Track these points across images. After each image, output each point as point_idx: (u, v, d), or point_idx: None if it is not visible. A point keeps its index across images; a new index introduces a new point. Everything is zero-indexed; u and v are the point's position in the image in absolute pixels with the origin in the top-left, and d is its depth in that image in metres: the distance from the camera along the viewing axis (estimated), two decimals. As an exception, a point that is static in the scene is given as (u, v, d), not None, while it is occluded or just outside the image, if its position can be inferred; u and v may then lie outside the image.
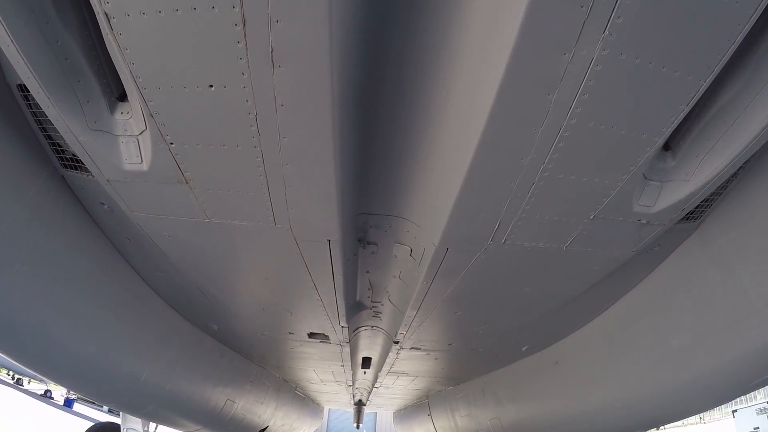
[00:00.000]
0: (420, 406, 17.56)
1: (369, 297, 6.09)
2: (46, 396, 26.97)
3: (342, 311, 5.82)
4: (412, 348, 7.64)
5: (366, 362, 11.05)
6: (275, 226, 3.87)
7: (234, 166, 3.30)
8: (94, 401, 6.64)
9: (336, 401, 21.21)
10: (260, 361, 10.62)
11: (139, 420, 10.90)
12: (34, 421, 23.63)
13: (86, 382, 6.14)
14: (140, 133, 3.23)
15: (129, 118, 3.24)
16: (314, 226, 3.79)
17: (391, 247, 4.64)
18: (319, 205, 3.55)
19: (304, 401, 17.94)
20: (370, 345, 8.60)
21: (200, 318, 7.18)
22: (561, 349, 7.45)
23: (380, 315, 6.77)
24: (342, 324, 6.44)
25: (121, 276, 5.78)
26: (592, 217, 3.67)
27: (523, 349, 7.73)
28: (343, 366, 10.01)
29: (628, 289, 5.76)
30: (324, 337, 7.47)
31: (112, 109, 3.27)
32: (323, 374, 11.90)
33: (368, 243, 4.64)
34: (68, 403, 26.51)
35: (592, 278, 4.84)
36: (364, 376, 13.00)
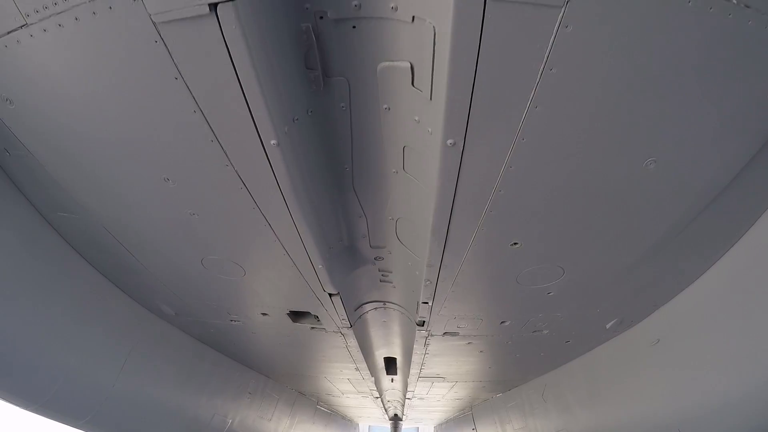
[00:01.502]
0: (463, 419, 14.67)
1: (365, 237, 3.62)
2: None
3: (316, 256, 3.37)
4: (446, 333, 5.08)
5: (390, 365, 8.48)
6: None
7: None
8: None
9: (369, 416, 18.45)
10: (260, 367, 8.21)
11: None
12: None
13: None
14: None
15: None
16: None
17: (371, 74, 2.18)
18: None
19: (331, 417, 15.34)
20: (386, 336, 6.08)
21: (148, 295, 4.89)
22: (663, 319, 4.74)
23: (389, 277, 4.28)
24: (328, 289, 3.98)
25: (20, 219, 3.64)
26: None
27: (608, 326, 5.02)
28: (358, 370, 7.45)
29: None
30: (314, 321, 5.02)
31: None
32: (339, 383, 9.35)
33: (328, 75, 2.20)
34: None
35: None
36: (392, 385, 10.39)
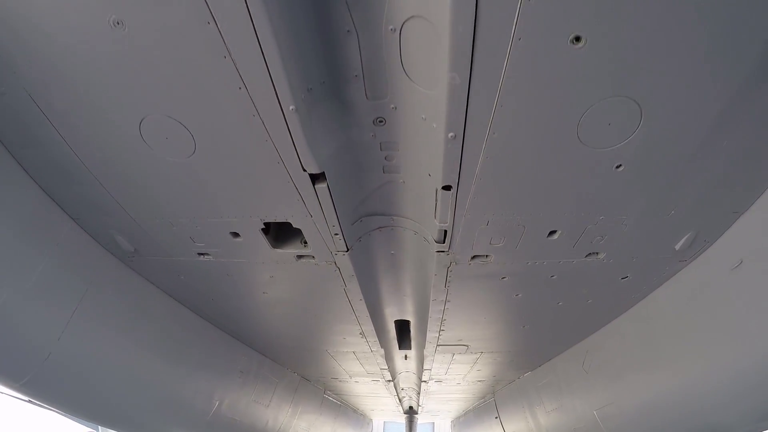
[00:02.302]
0: (484, 408, 13.34)
1: (359, 77, 2.43)
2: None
3: (286, 95, 2.19)
4: (474, 258, 3.81)
5: (403, 335, 7.24)
6: None
7: None
8: None
9: (383, 409, 17.13)
10: (251, 340, 7.02)
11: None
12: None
13: None
14: None
15: None
16: None
17: None
18: None
19: (341, 409, 14.09)
20: (395, 282, 4.83)
21: (99, 220, 3.84)
22: (747, 231, 3.51)
23: (395, 160, 3.05)
24: (309, 166, 2.75)
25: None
26: None
27: (678, 245, 3.77)
28: (363, 336, 6.22)
29: None
30: (300, 245, 3.82)
31: None
32: (345, 361, 8.10)
33: None
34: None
35: None
36: (406, 365, 9.13)
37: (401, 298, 5.25)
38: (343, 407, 14.40)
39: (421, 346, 6.88)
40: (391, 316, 5.99)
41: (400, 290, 4.99)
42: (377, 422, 24.77)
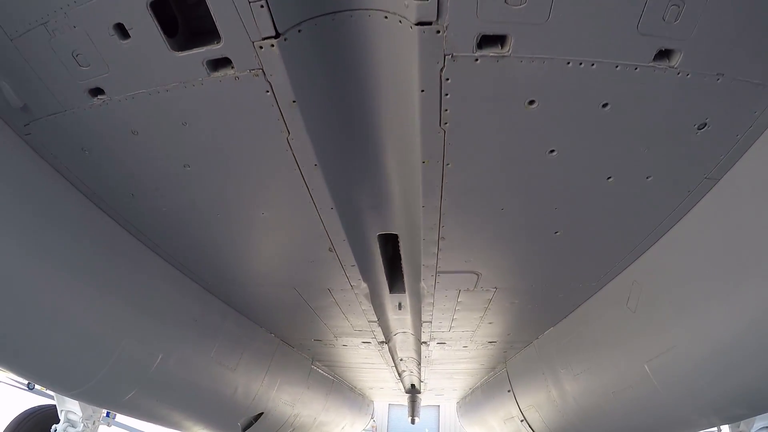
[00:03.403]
0: (494, 381, 11.71)
1: None
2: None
3: None
4: (484, 44, 2.10)
5: (395, 272, 5.61)
6: None
7: None
8: None
9: (381, 386, 15.51)
10: (200, 275, 5.43)
11: (76, 402, 7.23)
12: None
13: None
14: None
15: None
16: None
17: None
18: None
19: (334, 385, 12.50)
20: (362, 103, 3.19)
21: None
22: None
23: None
24: None
25: None
26: None
27: None
28: (334, 253, 4.53)
29: None
30: (211, 41, 2.24)
31: None
32: (323, 311, 6.44)
33: None
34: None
35: None
36: (401, 318, 7.51)
37: (378, 185, 3.59)
38: (337, 383, 12.81)
39: (417, 278, 5.23)
40: (371, 227, 4.34)
41: (372, 148, 3.26)
42: (380, 405, 23.24)
